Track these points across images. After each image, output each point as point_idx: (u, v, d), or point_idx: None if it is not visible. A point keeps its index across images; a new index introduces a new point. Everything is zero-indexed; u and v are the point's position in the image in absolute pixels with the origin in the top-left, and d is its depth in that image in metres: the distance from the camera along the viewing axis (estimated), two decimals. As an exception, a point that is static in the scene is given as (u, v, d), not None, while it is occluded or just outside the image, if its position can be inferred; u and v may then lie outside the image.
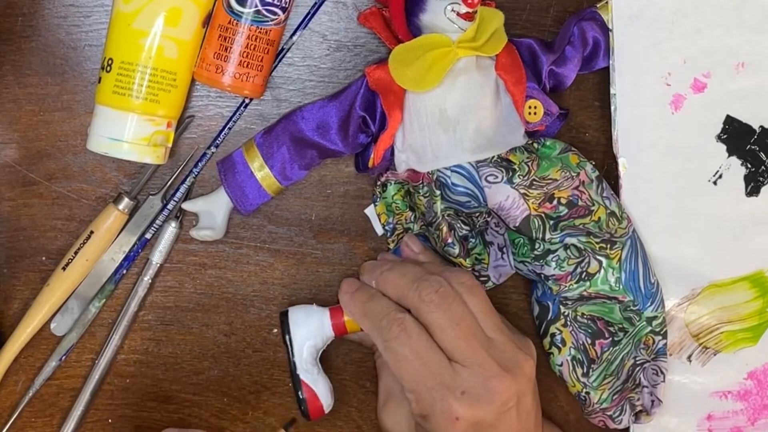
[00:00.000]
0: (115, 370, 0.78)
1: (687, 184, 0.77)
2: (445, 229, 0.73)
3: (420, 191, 0.73)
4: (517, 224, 0.73)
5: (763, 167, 0.77)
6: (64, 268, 0.75)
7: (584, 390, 0.75)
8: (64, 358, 0.77)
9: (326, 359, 0.78)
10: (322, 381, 0.73)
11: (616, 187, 0.76)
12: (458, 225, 0.74)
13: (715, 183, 0.77)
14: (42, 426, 0.77)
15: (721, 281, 0.78)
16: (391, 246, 0.77)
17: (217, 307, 0.78)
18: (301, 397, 0.73)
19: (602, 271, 0.74)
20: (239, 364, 0.78)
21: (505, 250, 0.75)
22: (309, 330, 0.73)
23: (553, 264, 0.73)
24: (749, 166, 0.77)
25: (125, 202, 0.75)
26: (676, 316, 0.78)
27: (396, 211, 0.76)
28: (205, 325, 0.78)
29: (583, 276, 0.74)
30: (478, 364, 0.66)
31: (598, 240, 0.74)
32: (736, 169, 0.77)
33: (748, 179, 0.77)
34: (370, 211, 0.78)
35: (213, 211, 0.76)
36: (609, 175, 0.77)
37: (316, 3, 0.76)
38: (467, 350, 0.67)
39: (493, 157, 0.73)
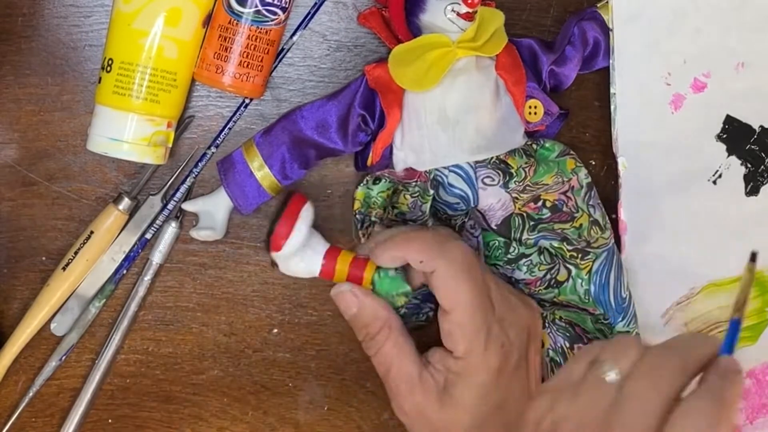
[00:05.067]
0: (115, 370, 0.77)
1: (686, 184, 0.77)
2: (430, 224, 0.73)
3: (409, 189, 0.73)
4: (498, 223, 0.73)
5: (762, 167, 0.77)
6: (64, 268, 0.75)
7: None
8: (64, 358, 0.76)
9: (326, 359, 0.79)
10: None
11: (615, 187, 0.76)
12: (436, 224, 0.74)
13: (714, 182, 0.77)
14: (42, 426, 0.77)
15: (720, 280, 0.78)
16: (363, 240, 0.75)
17: (217, 307, 0.78)
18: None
19: (570, 280, 0.74)
20: (239, 364, 0.78)
21: (478, 252, 0.75)
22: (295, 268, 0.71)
23: (524, 268, 0.74)
24: (749, 165, 0.77)
25: (125, 202, 0.75)
26: (675, 315, 0.78)
27: (372, 206, 0.75)
28: (205, 325, 0.78)
29: (551, 283, 0.74)
30: (503, 298, 0.69)
31: (570, 248, 0.74)
32: (735, 169, 0.77)
33: (747, 179, 0.77)
34: None
35: (213, 211, 0.76)
36: (609, 174, 0.77)
37: (316, 3, 0.76)
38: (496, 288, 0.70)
39: (491, 158, 0.73)
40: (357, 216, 0.74)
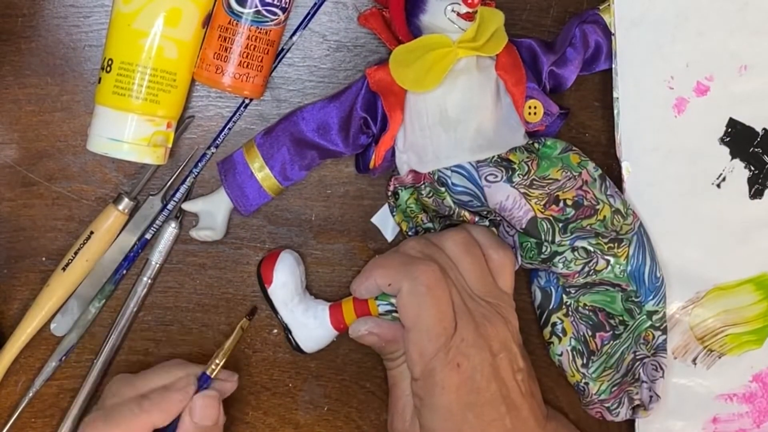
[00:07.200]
0: (115, 371, 0.77)
1: (690, 188, 0.76)
2: (467, 214, 0.73)
3: (422, 192, 0.73)
4: (523, 226, 0.72)
5: (766, 169, 0.76)
6: (64, 269, 0.75)
7: (583, 380, 0.75)
8: (64, 358, 0.77)
9: (326, 359, 0.79)
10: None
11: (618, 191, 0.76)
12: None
13: (718, 186, 0.76)
14: (42, 426, 0.77)
15: (725, 284, 0.77)
16: None
17: (217, 307, 0.78)
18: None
19: (609, 267, 0.74)
20: (239, 364, 0.78)
21: (514, 251, 0.75)
22: (310, 333, 0.75)
23: (561, 265, 0.73)
24: (752, 168, 0.76)
25: (125, 203, 0.75)
26: (680, 319, 0.77)
27: (411, 215, 0.75)
28: (205, 325, 0.78)
29: (590, 273, 0.74)
30: (469, 314, 0.69)
31: (606, 240, 0.73)
32: (739, 172, 0.76)
33: (751, 182, 0.76)
34: (377, 219, 0.78)
35: (213, 211, 0.76)
36: (609, 176, 0.76)
37: (316, 3, 0.76)
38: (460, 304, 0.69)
39: (493, 156, 0.72)
40: (409, 234, 0.76)
